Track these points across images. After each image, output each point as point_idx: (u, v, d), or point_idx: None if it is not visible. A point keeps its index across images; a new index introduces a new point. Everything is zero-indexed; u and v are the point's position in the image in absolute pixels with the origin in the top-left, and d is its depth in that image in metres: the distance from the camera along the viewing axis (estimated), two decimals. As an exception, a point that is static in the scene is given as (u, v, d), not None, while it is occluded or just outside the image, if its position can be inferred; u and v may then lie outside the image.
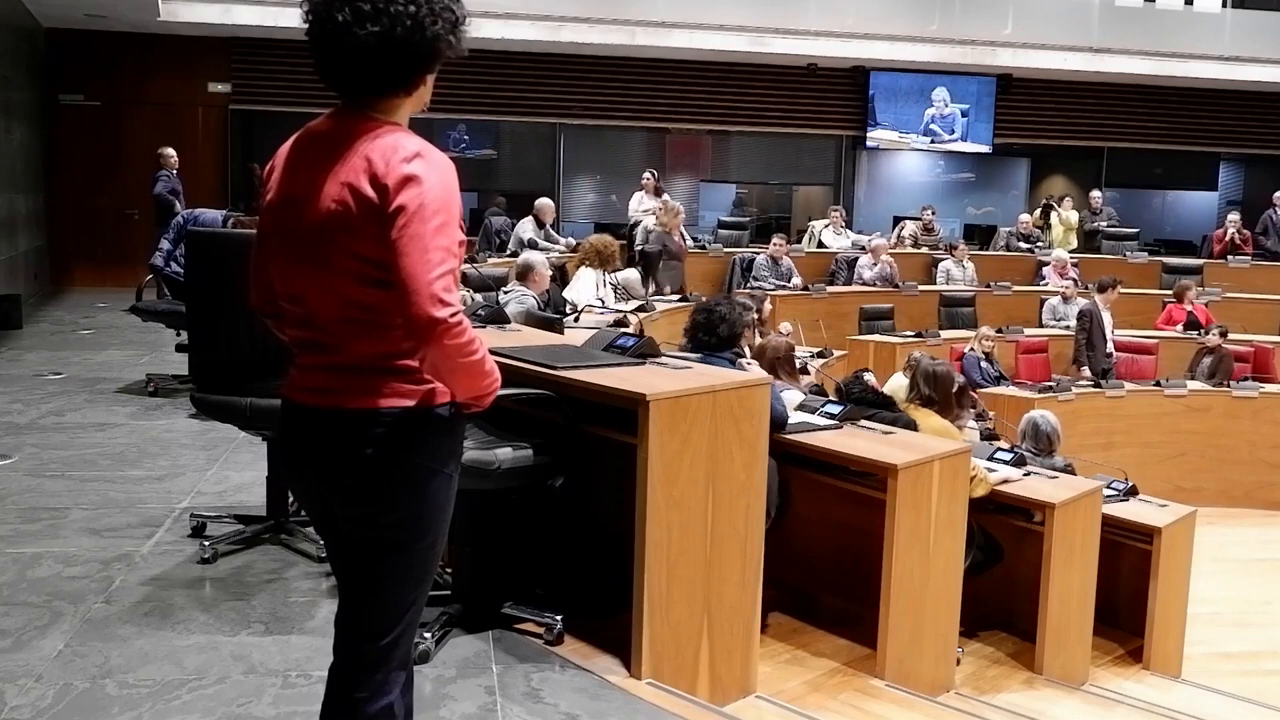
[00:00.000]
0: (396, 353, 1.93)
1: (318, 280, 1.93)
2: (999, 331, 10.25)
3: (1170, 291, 11.76)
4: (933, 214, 13.37)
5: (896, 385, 5.84)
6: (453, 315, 1.84)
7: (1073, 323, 10.94)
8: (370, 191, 1.86)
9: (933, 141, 14.92)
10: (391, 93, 1.96)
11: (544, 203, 10.89)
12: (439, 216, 1.86)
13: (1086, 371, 10.02)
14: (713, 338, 4.19)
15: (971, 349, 9.75)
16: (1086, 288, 11.37)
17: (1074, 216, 13.49)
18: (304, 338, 2.01)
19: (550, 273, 6.86)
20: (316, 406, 1.98)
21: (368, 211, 1.86)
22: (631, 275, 9.84)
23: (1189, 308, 11.20)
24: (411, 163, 1.87)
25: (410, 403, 1.94)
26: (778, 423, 3.93)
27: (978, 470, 4.82)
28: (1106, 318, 10.38)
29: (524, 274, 6.63)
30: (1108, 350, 10.30)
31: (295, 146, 2.02)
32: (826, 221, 12.86)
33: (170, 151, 11.09)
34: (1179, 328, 10.99)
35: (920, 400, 5.15)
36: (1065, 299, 11.09)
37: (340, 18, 1.88)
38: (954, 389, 5.45)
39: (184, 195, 10.98)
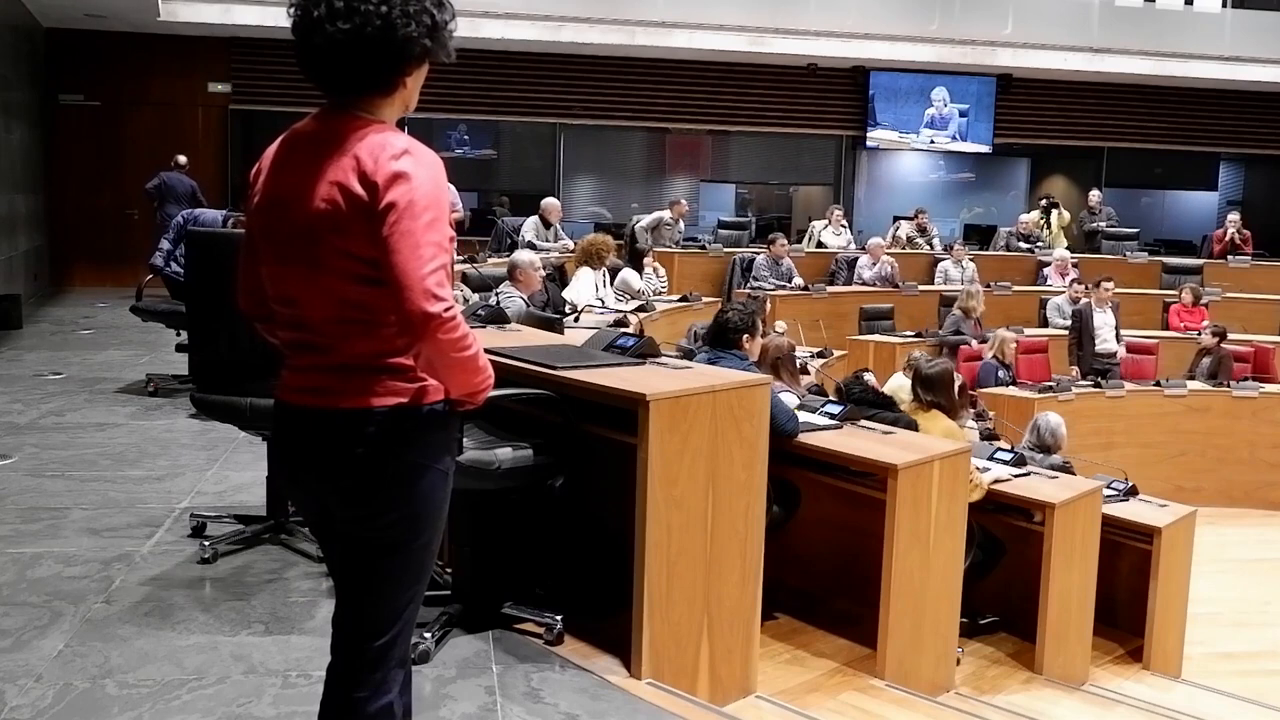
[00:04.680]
0: (390, 350, 1.93)
1: (310, 281, 1.94)
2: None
3: (1172, 292, 11.76)
4: (925, 215, 13.35)
5: (897, 385, 5.85)
6: (446, 310, 1.84)
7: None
8: (360, 189, 1.87)
9: (933, 141, 14.93)
10: (370, 92, 1.96)
11: (550, 202, 10.87)
12: (429, 213, 1.86)
13: (1076, 371, 10.00)
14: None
15: (997, 357, 9.45)
16: (1086, 288, 11.37)
17: (1065, 215, 13.52)
18: (296, 339, 2.01)
19: (540, 272, 6.82)
20: (311, 407, 1.98)
21: (358, 210, 1.87)
22: (629, 274, 9.85)
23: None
24: (400, 160, 1.87)
25: (403, 400, 1.94)
26: (789, 434, 3.92)
27: (976, 477, 4.82)
28: (1103, 317, 10.34)
29: (511, 273, 6.62)
30: (1110, 349, 10.27)
31: (282, 147, 2.02)
32: (826, 221, 12.87)
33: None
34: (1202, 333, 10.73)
35: (925, 405, 5.15)
36: (1074, 300, 11.06)
37: (315, 13, 1.90)
38: (955, 386, 5.45)
39: (178, 198, 11.33)
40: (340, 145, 1.90)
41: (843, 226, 12.82)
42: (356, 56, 1.91)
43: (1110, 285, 10.50)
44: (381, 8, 1.89)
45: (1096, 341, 10.24)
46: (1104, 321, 10.36)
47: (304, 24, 1.92)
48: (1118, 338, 10.45)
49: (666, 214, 11.88)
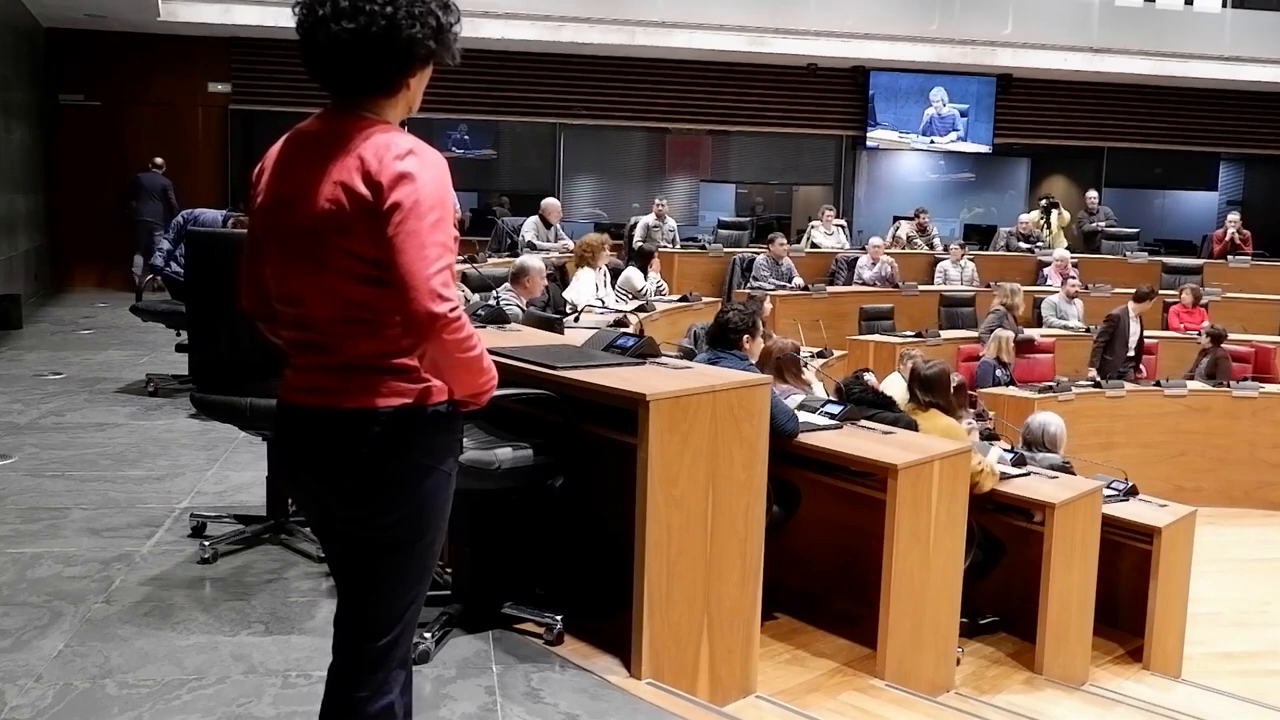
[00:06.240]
0: (394, 351, 1.93)
1: (314, 280, 1.93)
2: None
3: (1172, 292, 11.76)
4: (926, 215, 13.35)
5: (896, 385, 5.83)
6: (451, 310, 1.84)
7: (1073, 322, 10.95)
8: (364, 189, 1.86)
9: (932, 142, 14.93)
10: (373, 93, 1.95)
11: (550, 202, 10.88)
12: (434, 213, 1.86)
13: (1093, 373, 9.99)
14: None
15: (998, 357, 9.54)
16: (1086, 289, 11.36)
17: (1065, 215, 13.54)
18: (300, 338, 2.01)
19: (545, 280, 6.83)
20: (314, 407, 1.98)
21: (362, 210, 1.87)
22: (632, 273, 9.86)
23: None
24: (405, 160, 1.87)
25: (407, 400, 1.94)
26: (789, 434, 3.92)
27: (986, 464, 4.81)
28: (1135, 326, 10.36)
29: (517, 277, 6.61)
30: (1129, 355, 10.28)
31: (286, 147, 2.02)
32: (818, 221, 12.88)
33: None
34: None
35: (922, 406, 5.15)
36: (1070, 297, 11.07)
37: (321, 11, 1.90)
38: (952, 387, 5.45)
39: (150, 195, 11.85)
40: (345, 145, 1.90)
41: (836, 226, 12.82)
42: (360, 56, 1.91)
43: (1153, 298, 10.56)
44: (387, 8, 1.89)
45: (1128, 348, 10.28)
46: (1134, 330, 10.39)
47: (309, 22, 1.92)
48: (1140, 343, 10.48)
49: (650, 217, 11.94)
